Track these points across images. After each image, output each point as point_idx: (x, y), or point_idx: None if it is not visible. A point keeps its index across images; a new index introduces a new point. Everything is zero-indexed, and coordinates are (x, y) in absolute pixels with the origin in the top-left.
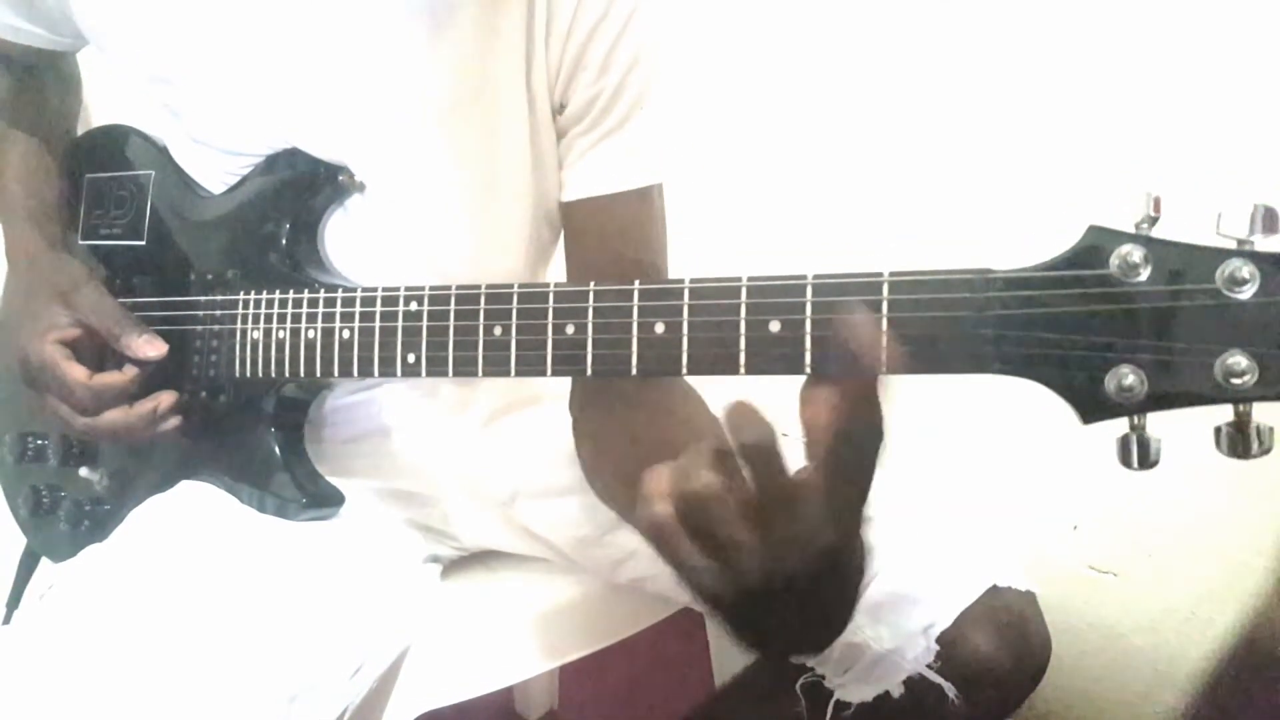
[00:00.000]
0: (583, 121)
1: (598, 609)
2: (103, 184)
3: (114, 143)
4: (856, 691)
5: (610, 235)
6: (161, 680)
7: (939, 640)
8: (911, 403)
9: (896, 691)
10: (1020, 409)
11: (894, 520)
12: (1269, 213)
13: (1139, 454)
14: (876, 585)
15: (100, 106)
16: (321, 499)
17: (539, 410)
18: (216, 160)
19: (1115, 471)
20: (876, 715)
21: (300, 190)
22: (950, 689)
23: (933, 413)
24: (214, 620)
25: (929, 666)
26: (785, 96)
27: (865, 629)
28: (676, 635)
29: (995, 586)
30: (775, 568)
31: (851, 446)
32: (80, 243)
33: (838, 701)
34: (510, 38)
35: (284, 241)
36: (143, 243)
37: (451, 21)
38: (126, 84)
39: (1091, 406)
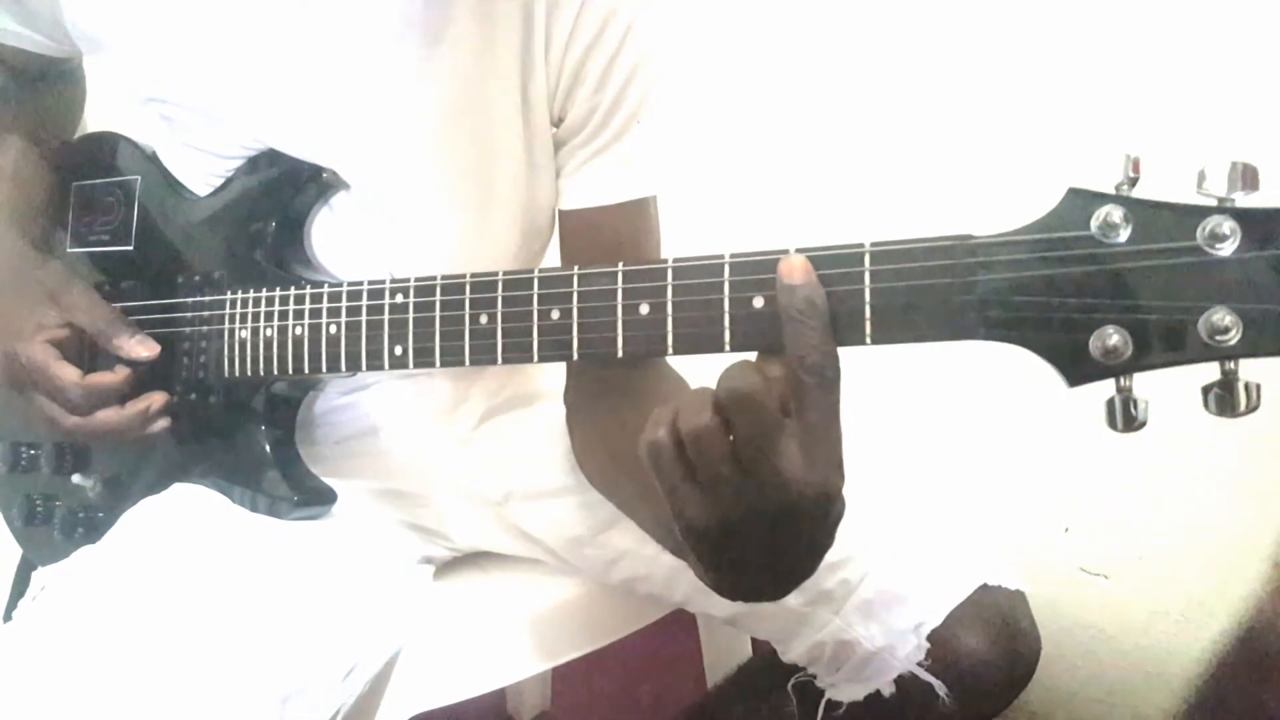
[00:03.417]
0: (581, 134)
1: (591, 610)
2: (90, 190)
3: (100, 150)
4: (848, 691)
5: (606, 244)
6: (155, 680)
7: (929, 638)
8: (904, 405)
9: (887, 691)
10: (1013, 411)
11: (885, 520)
12: (1248, 170)
13: (1124, 416)
14: (867, 584)
15: (93, 110)
16: (314, 497)
17: (532, 411)
18: (206, 163)
19: (1107, 474)
20: (868, 715)
21: (284, 189)
22: (941, 687)
23: (925, 415)
24: (207, 621)
25: (919, 665)
26: (766, 74)
27: (856, 627)
28: (669, 637)
29: (985, 585)
30: (754, 500)
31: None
32: (70, 250)
33: (829, 701)
34: (506, 52)
35: (270, 240)
36: (131, 247)
37: (445, 35)
38: (120, 91)
39: (1077, 369)
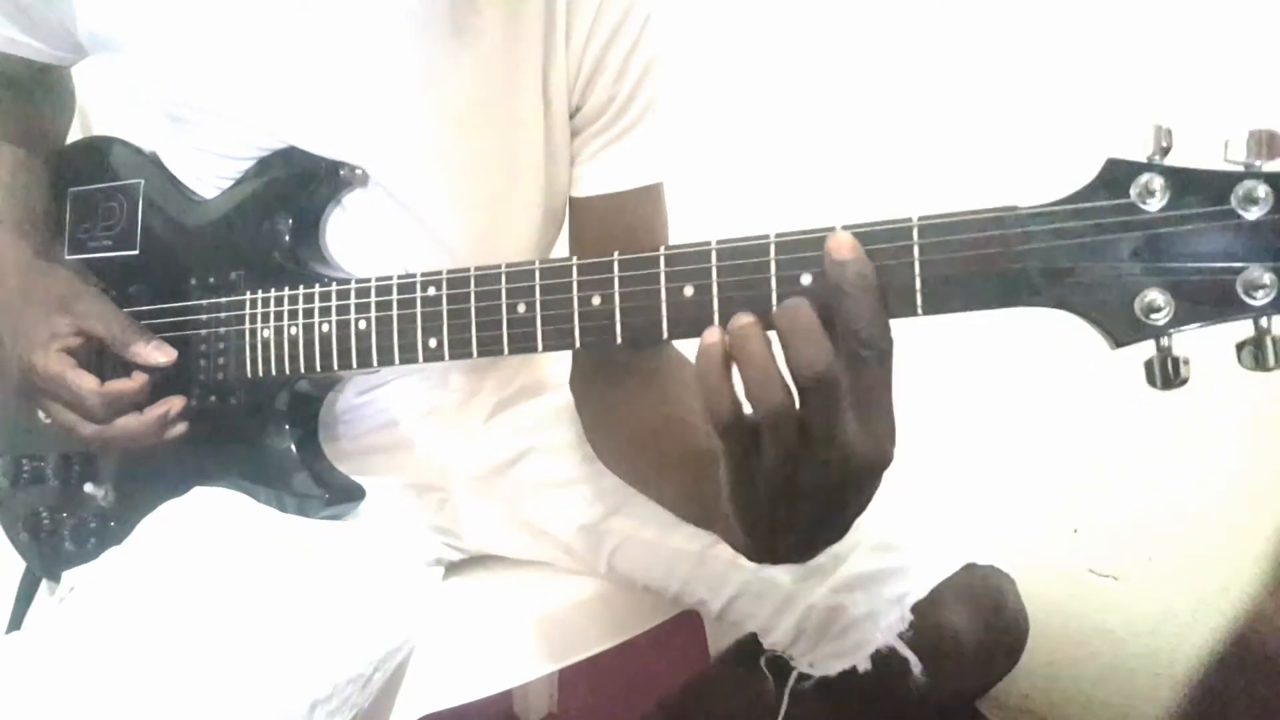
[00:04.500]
0: (597, 122)
1: (597, 612)
2: (88, 196)
3: (97, 155)
4: (825, 665)
5: (619, 230)
6: (181, 688)
7: (913, 610)
8: (913, 404)
9: (863, 666)
10: (1021, 411)
11: (880, 498)
12: (1269, 136)
13: (1163, 374)
14: (856, 555)
15: (101, 115)
16: (342, 494)
17: (541, 401)
18: (215, 165)
19: (1116, 475)
20: (837, 689)
21: (299, 187)
22: (916, 665)
23: (934, 415)
24: (235, 627)
25: (900, 636)
26: (798, 57)
27: (841, 594)
28: (675, 639)
29: (974, 564)
30: (817, 472)
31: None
32: (68, 257)
33: (799, 674)
34: (529, 43)
35: (286, 239)
36: (136, 252)
37: (472, 28)
38: (128, 94)
39: (1121, 330)
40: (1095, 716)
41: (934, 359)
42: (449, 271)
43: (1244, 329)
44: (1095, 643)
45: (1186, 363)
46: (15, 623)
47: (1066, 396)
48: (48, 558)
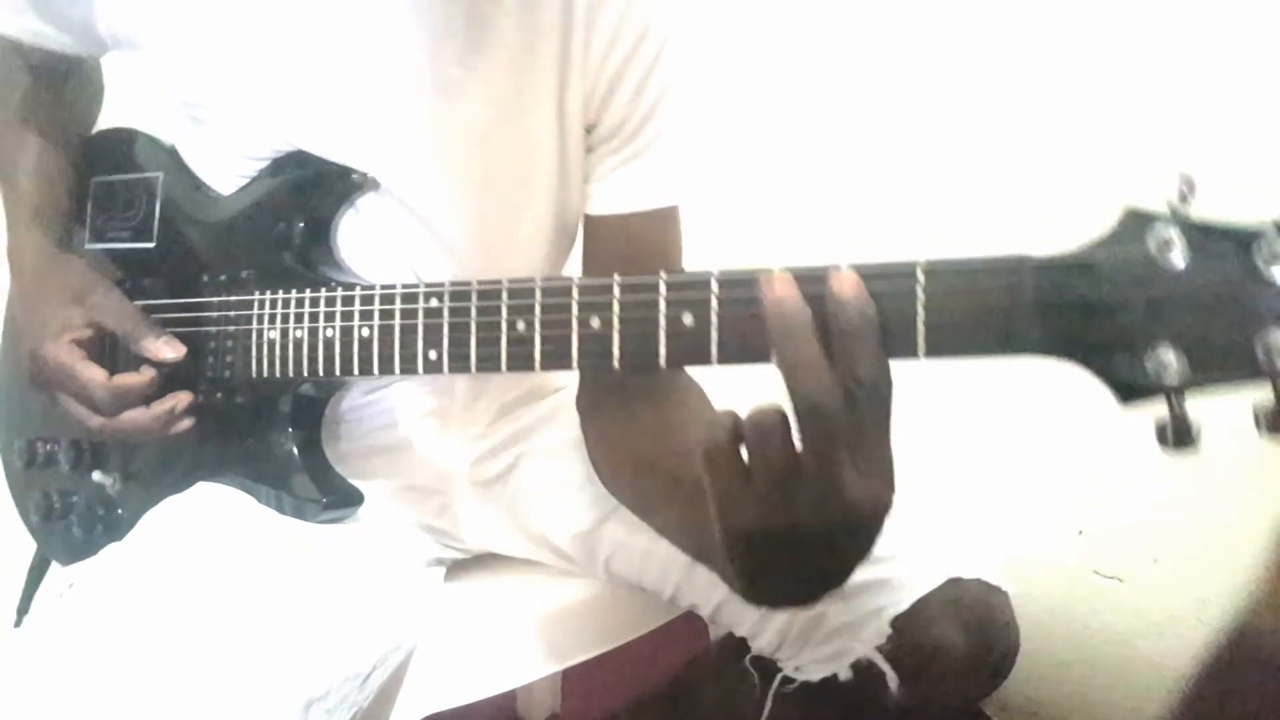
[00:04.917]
0: (612, 140)
1: (601, 612)
2: (109, 187)
3: (119, 145)
4: (807, 670)
5: (632, 251)
6: (180, 686)
7: (893, 624)
8: (915, 405)
9: (844, 675)
10: (1028, 414)
11: None
12: None
13: (1175, 434)
14: None
15: (117, 108)
16: (342, 499)
17: (543, 405)
18: (232, 163)
19: (1121, 477)
20: (818, 695)
21: (313, 190)
22: (893, 680)
23: (937, 415)
24: (232, 625)
25: (879, 649)
26: (808, 90)
27: (823, 603)
28: (681, 640)
29: (960, 579)
30: (810, 513)
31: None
32: (88, 246)
33: (783, 677)
34: (545, 61)
35: (298, 241)
36: (152, 245)
37: (486, 41)
38: (150, 91)
39: (1130, 388)
40: (1100, 718)
41: (936, 359)
42: (451, 284)
43: (1261, 390)
44: (1100, 644)
45: (1200, 426)
46: (24, 604)
47: (1070, 398)
48: (56, 541)
